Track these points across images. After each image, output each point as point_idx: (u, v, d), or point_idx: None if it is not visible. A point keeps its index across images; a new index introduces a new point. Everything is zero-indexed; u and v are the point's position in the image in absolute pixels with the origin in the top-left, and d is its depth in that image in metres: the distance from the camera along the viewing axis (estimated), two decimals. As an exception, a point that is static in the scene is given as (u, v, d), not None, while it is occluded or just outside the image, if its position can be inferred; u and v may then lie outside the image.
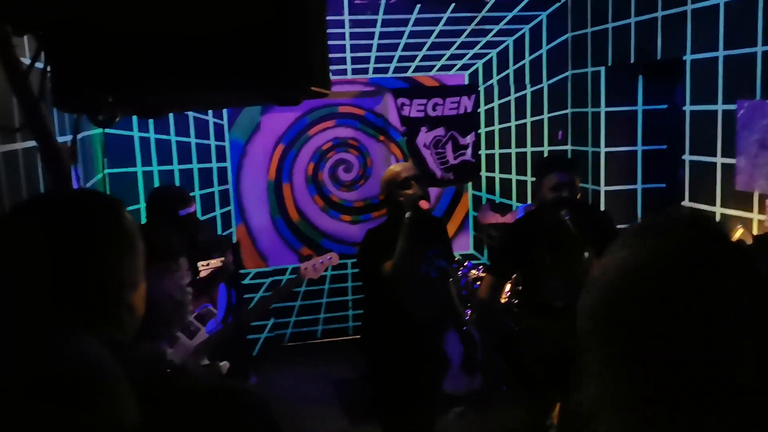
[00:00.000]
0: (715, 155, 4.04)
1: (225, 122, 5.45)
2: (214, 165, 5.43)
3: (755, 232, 3.64)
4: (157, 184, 5.04)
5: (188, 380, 0.92)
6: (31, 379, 0.62)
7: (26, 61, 1.43)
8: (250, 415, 0.96)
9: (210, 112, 5.30)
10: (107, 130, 4.28)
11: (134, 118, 4.84)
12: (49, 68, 1.05)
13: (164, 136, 5.14)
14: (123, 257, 0.97)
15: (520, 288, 3.55)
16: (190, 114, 5.23)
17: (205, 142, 5.36)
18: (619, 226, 4.77)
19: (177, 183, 5.14)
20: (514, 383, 4.12)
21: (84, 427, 0.61)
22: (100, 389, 0.65)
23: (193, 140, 5.28)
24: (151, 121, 5.08)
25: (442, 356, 3.56)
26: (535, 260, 3.23)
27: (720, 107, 3.96)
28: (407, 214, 3.08)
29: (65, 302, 0.91)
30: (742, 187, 3.81)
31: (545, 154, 5.81)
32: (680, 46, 4.25)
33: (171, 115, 5.17)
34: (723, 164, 3.98)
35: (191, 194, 3.43)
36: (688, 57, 4.20)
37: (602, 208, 5.20)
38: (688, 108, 4.26)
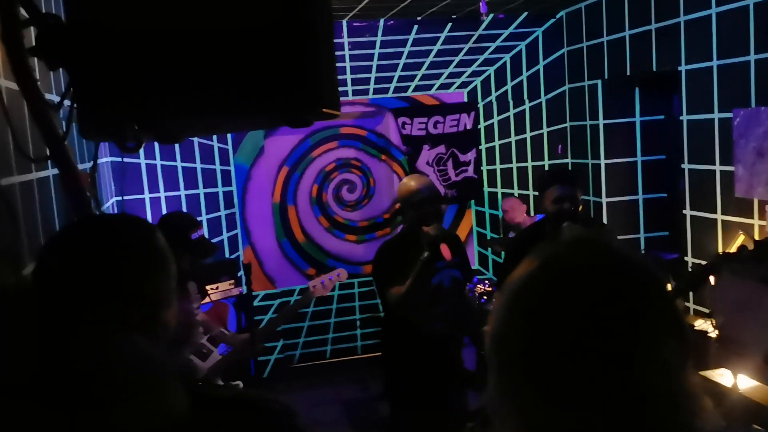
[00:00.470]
0: (713, 163, 4.10)
1: (230, 147, 5.53)
2: (220, 189, 5.50)
3: (757, 237, 3.68)
4: (164, 209, 5.10)
5: (219, 390, 0.97)
6: (100, 371, 0.68)
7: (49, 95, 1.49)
8: (277, 423, 1.00)
9: (215, 137, 5.38)
10: (113, 159, 4.36)
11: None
12: (74, 99, 1.11)
13: (170, 162, 5.22)
14: (159, 277, 1.02)
15: None
16: (195, 139, 5.31)
17: (211, 166, 5.43)
18: (620, 237, 4.82)
19: (184, 208, 5.20)
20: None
21: (142, 414, 0.67)
22: (155, 380, 0.70)
23: (198, 165, 5.35)
24: (157, 148, 5.16)
25: (460, 370, 3.46)
26: None
27: (716, 116, 4.03)
28: (425, 254, 3.02)
29: (109, 317, 0.96)
30: (742, 194, 3.86)
31: (546, 168, 5.87)
32: (675, 57, 4.33)
33: (177, 144, 5.24)
34: (722, 172, 4.04)
35: (198, 219, 3.49)
36: (683, 67, 4.27)
37: (604, 220, 5.25)
38: (685, 118, 4.33)
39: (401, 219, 3.34)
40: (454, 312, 3.20)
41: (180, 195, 5.29)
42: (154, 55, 1.05)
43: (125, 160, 4.84)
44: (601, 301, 0.77)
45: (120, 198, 4.67)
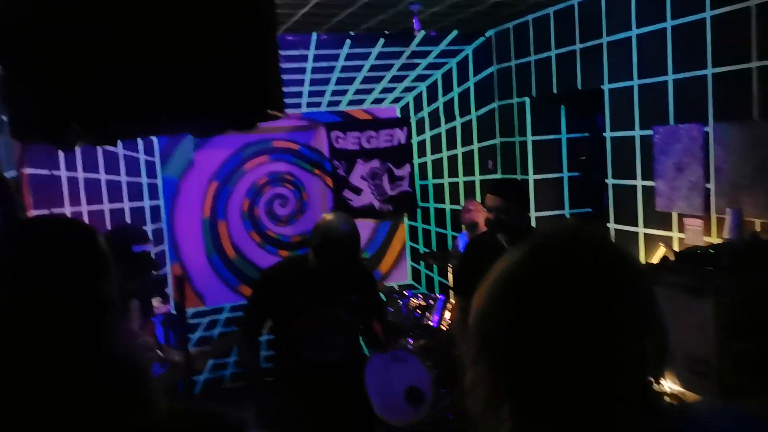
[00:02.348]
0: (635, 178, 4.27)
1: (157, 159, 5.37)
2: (147, 203, 5.33)
3: (676, 249, 3.86)
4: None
5: (169, 403, 0.93)
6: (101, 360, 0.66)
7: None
8: None
9: (141, 150, 5.22)
10: (30, 170, 4.15)
11: (60, 156, 4.72)
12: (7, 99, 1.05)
13: (93, 175, 5.01)
14: (102, 280, 0.97)
15: None
16: (120, 151, 5.13)
17: (137, 180, 5.26)
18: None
19: (108, 223, 5.00)
20: (462, 410, 4.16)
21: (135, 404, 0.64)
22: (145, 374, 0.68)
23: (124, 178, 5.17)
24: (79, 160, 4.95)
25: (353, 400, 3.24)
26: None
27: (638, 133, 4.21)
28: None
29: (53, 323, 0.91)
30: (662, 208, 4.04)
31: (477, 184, 5.99)
32: (598, 76, 4.51)
33: (100, 153, 5.06)
34: (643, 187, 4.21)
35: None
36: (606, 86, 4.45)
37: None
38: (608, 134, 4.50)
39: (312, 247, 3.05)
40: (332, 345, 3.04)
41: (103, 209, 5.08)
42: (98, 51, 1.00)
43: (42, 172, 4.62)
44: (583, 285, 0.81)
45: (40, 212, 4.44)
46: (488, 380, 0.83)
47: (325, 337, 3.01)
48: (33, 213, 4.16)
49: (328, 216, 3.12)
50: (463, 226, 5.31)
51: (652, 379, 0.84)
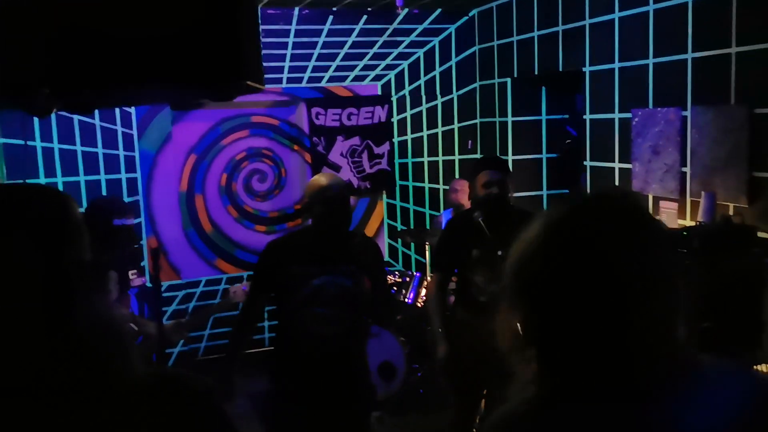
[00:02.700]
0: (613, 161, 4.31)
1: (134, 132, 5.30)
2: (123, 176, 5.27)
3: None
4: (61, 195, 4.82)
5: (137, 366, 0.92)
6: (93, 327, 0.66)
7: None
8: (193, 402, 0.97)
9: (118, 121, 5.15)
10: (4, 140, 4.08)
11: (36, 126, 4.64)
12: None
13: (69, 146, 4.93)
14: (72, 248, 0.96)
15: (454, 286, 3.63)
16: (97, 123, 5.05)
17: (114, 152, 5.19)
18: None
19: (83, 195, 4.94)
20: (440, 384, 4.20)
21: (119, 367, 0.64)
22: (129, 340, 0.68)
23: (100, 150, 5.10)
24: (54, 130, 4.87)
25: (350, 369, 3.03)
26: (463, 258, 3.37)
27: (617, 116, 4.24)
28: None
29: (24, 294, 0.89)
30: (638, 190, 4.09)
31: (456, 163, 6.00)
32: (580, 59, 4.52)
33: (76, 124, 4.98)
34: (620, 169, 4.26)
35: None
36: (588, 69, 4.47)
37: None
38: (588, 117, 4.53)
39: (307, 215, 3.02)
40: (336, 317, 2.87)
41: (79, 181, 5.01)
42: (72, 15, 0.98)
43: (16, 142, 4.54)
44: (620, 240, 0.87)
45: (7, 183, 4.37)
46: (519, 322, 0.88)
47: (329, 307, 2.86)
48: (5, 183, 4.09)
49: (317, 177, 3.01)
50: (447, 204, 5.34)
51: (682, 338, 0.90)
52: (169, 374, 0.98)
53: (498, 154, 5.61)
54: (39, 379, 0.61)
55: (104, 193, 5.09)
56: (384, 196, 6.12)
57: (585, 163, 4.60)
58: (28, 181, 4.68)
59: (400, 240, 6.13)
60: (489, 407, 3.55)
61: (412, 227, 6.06)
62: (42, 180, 4.78)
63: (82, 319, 0.68)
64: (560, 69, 4.76)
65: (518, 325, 0.89)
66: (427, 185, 6.08)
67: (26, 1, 0.92)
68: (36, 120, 4.37)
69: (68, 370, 0.65)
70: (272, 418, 3.05)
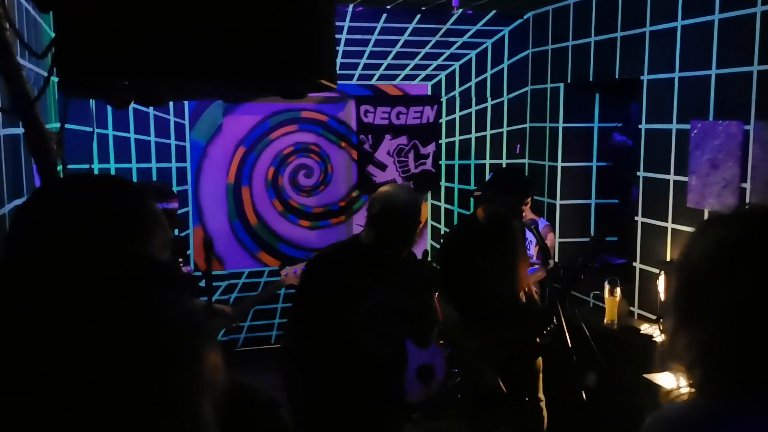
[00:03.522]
0: (668, 173, 4.20)
1: (186, 122, 5.38)
2: (174, 165, 5.35)
3: (705, 247, 3.80)
4: (113, 182, 4.93)
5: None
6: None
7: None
8: (261, 413, 0.96)
9: (171, 111, 5.23)
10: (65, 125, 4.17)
11: (93, 112, 4.74)
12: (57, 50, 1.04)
13: (123, 134, 5.04)
14: (149, 242, 0.96)
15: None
16: (151, 112, 5.15)
17: (166, 141, 5.27)
18: (570, 240, 4.93)
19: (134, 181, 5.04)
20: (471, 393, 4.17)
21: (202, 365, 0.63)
22: (210, 339, 0.66)
23: (153, 139, 5.19)
24: (110, 118, 4.98)
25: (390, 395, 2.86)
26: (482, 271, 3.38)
27: (674, 126, 4.13)
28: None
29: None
30: (693, 205, 3.97)
31: (504, 167, 5.93)
32: (638, 66, 4.42)
33: (131, 113, 5.07)
34: (675, 182, 4.15)
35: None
36: (645, 77, 4.36)
37: (557, 222, 5.35)
38: (643, 126, 4.42)
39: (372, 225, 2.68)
40: (390, 337, 2.68)
41: (131, 168, 5.11)
42: (151, 8, 0.98)
43: (76, 128, 4.65)
44: None
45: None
46: (691, 344, 0.93)
47: (382, 326, 2.61)
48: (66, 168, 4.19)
49: (388, 186, 2.79)
50: None
51: None
52: (240, 385, 0.97)
53: (547, 161, 5.53)
54: (113, 381, 0.59)
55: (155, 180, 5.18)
56: (429, 196, 6.09)
57: (638, 173, 4.49)
58: (82, 166, 4.79)
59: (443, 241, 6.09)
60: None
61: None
62: (96, 165, 4.88)
63: (153, 316, 0.66)
64: (616, 76, 4.66)
65: (690, 340, 0.93)
66: (473, 188, 6.02)
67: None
68: (93, 106, 4.46)
69: (138, 373, 0.63)
70: (303, 419, 2.73)
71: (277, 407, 0.98)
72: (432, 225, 6.14)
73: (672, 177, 4.17)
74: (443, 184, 6.05)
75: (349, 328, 2.57)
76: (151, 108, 5.16)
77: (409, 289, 2.67)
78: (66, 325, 0.56)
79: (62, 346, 0.56)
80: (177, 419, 0.61)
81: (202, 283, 3.15)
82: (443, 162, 6.01)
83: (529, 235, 4.90)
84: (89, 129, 4.84)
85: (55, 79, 1.14)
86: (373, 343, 2.61)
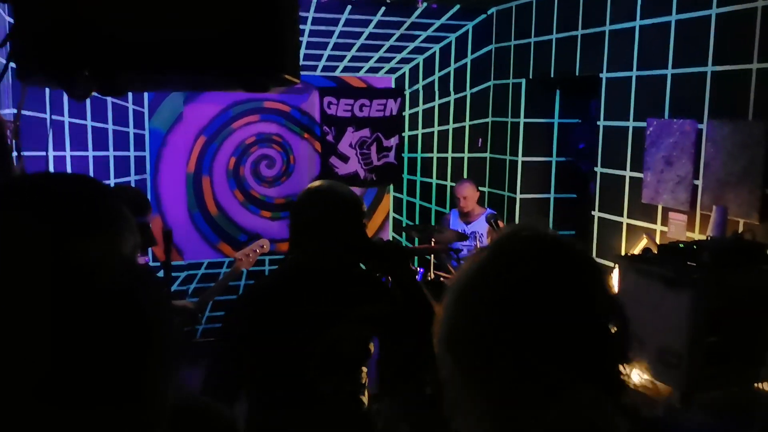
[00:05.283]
0: (624, 169, 4.30)
1: (146, 110, 5.28)
2: (132, 153, 5.26)
3: (658, 242, 3.91)
4: (69, 169, 4.81)
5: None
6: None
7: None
8: None
9: (130, 99, 5.13)
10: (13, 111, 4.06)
11: (47, 98, 4.62)
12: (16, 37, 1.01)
13: (80, 121, 4.92)
14: (121, 239, 0.94)
15: None
16: (109, 99, 5.04)
17: (124, 129, 5.17)
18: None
19: (91, 170, 4.93)
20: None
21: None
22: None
23: (110, 126, 5.08)
24: (65, 104, 4.85)
25: None
26: None
27: (631, 124, 4.23)
28: None
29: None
30: (648, 200, 4.08)
31: (465, 161, 5.99)
32: (597, 64, 4.50)
33: (88, 99, 4.96)
34: (631, 177, 4.25)
35: (106, 182, 3.29)
36: (604, 75, 4.45)
37: (517, 216, 5.43)
38: (601, 123, 4.52)
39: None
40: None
41: (88, 156, 5.00)
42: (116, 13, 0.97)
43: (29, 113, 4.52)
44: (540, 288, 0.82)
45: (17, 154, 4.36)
46: (459, 382, 0.84)
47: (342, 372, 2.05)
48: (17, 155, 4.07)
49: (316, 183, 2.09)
50: (453, 205, 5.34)
51: (620, 367, 0.86)
52: (196, 404, 0.95)
53: (507, 155, 5.60)
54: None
55: (112, 169, 5.08)
56: (391, 189, 6.11)
57: (596, 169, 4.59)
58: (35, 153, 4.67)
59: (404, 234, 6.12)
60: None
61: (417, 222, 6.06)
62: (51, 152, 4.76)
63: (147, 315, 0.65)
64: (577, 73, 4.74)
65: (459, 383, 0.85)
66: (435, 181, 6.07)
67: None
68: (47, 92, 4.35)
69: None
70: None
71: (235, 425, 0.98)
72: (394, 217, 6.17)
73: (628, 173, 4.27)
74: (405, 176, 6.08)
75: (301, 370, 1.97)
76: (109, 95, 5.06)
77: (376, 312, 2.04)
78: (62, 324, 0.56)
79: (60, 345, 0.55)
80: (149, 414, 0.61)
81: (161, 274, 3.11)
82: (405, 155, 6.04)
83: (479, 227, 4.98)
84: (44, 115, 4.71)
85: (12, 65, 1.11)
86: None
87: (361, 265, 2.16)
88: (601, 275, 0.87)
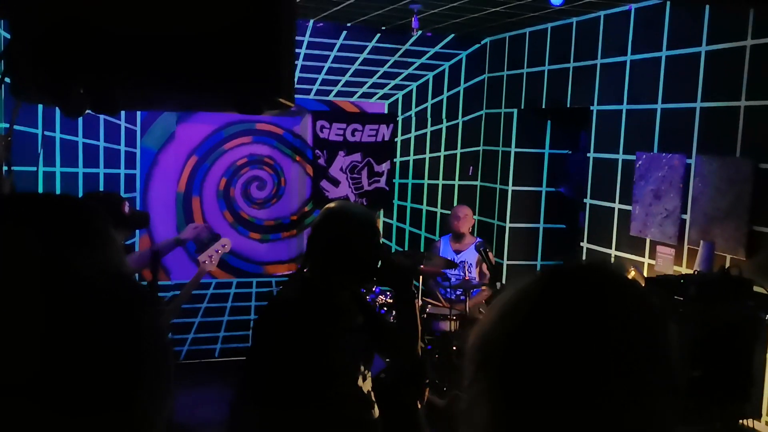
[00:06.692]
0: (613, 201, 4.33)
1: (138, 128, 5.28)
2: (122, 171, 5.24)
3: (646, 275, 3.92)
4: (58, 186, 4.79)
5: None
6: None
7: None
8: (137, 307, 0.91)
9: (123, 117, 5.13)
10: (16, 127, 4.04)
11: (39, 114, 4.61)
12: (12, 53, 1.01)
13: (71, 137, 4.91)
14: (106, 250, 0.93)
15: None
16: (101, 116, 5.03)
17: (115, 146, 5.16)
18: (518, 263, 5.01)
19: (80, 187, 4.91)
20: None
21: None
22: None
23: (102, 143, 5.07)
24: (57, 120, 4.84)
25: None
26: None
27: (621, 156, 4.27)
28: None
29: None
30: (636, 233, 4.10)
31: (456, 188, 6.01)
32: (588, 97, 4.56)
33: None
34: (620, 210, 4.28)
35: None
36: (595, 107, 4.50)
37: (506, 245, 5.43)
38: (591, 155, 4.56)
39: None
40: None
41: (78, 172, 4.98)
42: (110, 15, 0.97)
43: (22, 129, 4.51)
44: (594, 327, 0.79)
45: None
46: (488, 400, 0.83)
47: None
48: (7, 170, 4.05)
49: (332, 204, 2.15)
50: (447, 230, 5.33)
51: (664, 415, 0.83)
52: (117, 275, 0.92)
53: (498, 184, 5.63)
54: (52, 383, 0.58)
55: (102, 187, 5.06)
56: (381, 214, 6.12)
57: (585, 200, 4.62)
58: (26, 168, 4.65)
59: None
60: None
61: (406, 248, 6.05)
62: (41, 168, 4.74)
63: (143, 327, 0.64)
64: (568, 105, 4.79)
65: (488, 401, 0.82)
66: (425, 207, 6.08)
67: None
68: (40, 108, 4.34)
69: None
70: None
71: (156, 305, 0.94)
72: (384, 243, 6.16)
73: (617, 205, 4.30)
74: (396, 202, 6.09)
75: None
76: (101, 112, 5.05)
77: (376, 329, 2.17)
78: (58, 327, 0.55)
79: (54, 349, 0.55)
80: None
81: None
82: (397, 180, 6.05)
83: (469, 257, 4.96)
84: (35, 131, 4.70)
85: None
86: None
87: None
88: (656, 315, 0.83)
